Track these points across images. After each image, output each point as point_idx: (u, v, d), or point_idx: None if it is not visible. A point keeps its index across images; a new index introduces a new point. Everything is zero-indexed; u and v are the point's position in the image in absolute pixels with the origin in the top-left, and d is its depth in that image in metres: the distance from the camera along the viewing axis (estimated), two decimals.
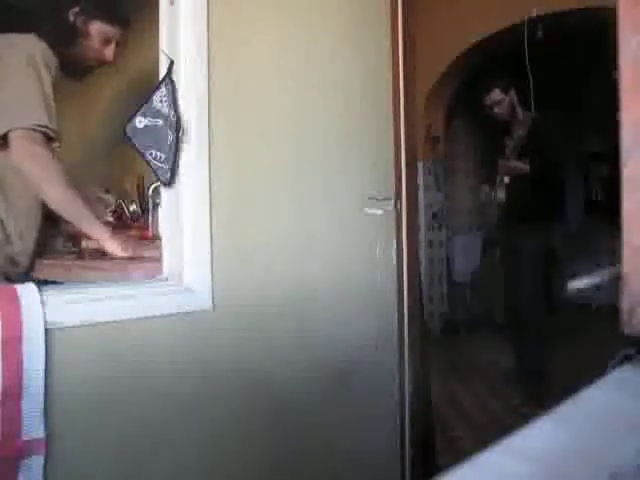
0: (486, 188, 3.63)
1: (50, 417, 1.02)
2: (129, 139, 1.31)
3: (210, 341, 1.32)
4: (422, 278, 2.57)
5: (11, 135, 1.34)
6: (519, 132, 3.34)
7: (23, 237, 1.49)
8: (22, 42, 1.40)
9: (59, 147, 1.45)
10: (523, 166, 3.24)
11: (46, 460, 1.01)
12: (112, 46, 1.60)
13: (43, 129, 1.37)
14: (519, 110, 3.37)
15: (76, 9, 1.52)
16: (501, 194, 3.40)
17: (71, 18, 1.52)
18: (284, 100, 1.51)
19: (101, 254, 1.63)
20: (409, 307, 1.81)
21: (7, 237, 1.46)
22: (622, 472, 0.31)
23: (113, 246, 1.47)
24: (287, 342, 1.48)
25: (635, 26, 0.47)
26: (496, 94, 3.34)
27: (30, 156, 1.35)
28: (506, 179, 3.36)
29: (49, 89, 1.40)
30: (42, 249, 1.59)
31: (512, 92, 3.34)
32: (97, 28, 1.55)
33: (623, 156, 0.48)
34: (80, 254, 1.81)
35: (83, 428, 1.10)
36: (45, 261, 1.64)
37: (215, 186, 1.33)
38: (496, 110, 3.37)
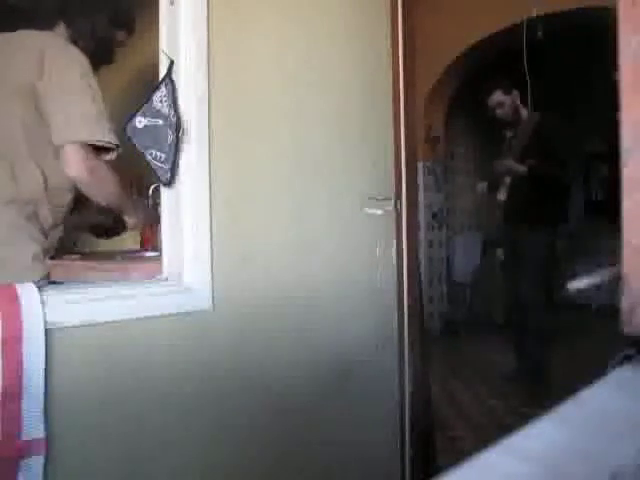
0: (483, 185, 3.61)
1: (50, 417, 1.02)
2: (129, 139, 1.31)
3: (210, 341, 1.32)
4: (422, 278, 2.57)
5: (66, 148, 1.34)
6: (523, 132, 3.33)
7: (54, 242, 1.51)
8: (69, 51, 1.39)
9: (115, 156, 1.45)
10: (519, 167, 3.24)
11: (46, 460, 1.01)
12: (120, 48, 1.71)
13: (98, 143, 1.38)
14: (523, 110, 3.37)
15: (108, 19, 1.60)
16: (502, 195, 3.40)
17: (104, 28, 1.60)
18: (284, 100, 1.51)
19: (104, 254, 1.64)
20: (409, 307, 1.81)
21: (49, 250, 1.47)
22: (622, 472, 0.31)
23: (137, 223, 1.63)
24: (287, 342, 1.48)
25: (635, 26, 0.47)
26: (498, 95, 3.34)
27: (88, 170, 1.36)
28: (508, 180, 3.36)
29: (101, 102, 1.41)
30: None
31: (514, 93, 3.34)
32: (121, 36, 1.66)
33: (623, 156, 0.48)
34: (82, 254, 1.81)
35: (83, 428, 1.10)
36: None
37: (215, 186, 1.33)
38: (499, 112, 3.37)
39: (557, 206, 3.36)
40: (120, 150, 1.41)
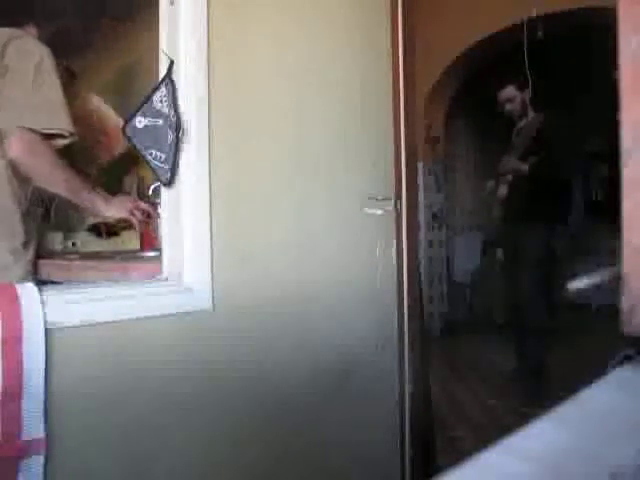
0: (492, 184, 3.59)
1: (50, 417, 1.02)
2: (129, 139, 1.31)
3: (210, 341, 1.32)
4: (422, 278, 2.57)
5: (10, 131, 1.35)
6: (528, 131, 3.33)
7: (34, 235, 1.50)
8: (27, 46, 1.42)
9: (68, 142, 1.45)
10: (521, 166, 3.24)
11: (46, 460, 1.01)
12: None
13: (50, 131, 1.39)
14: (530, 109, 3.37)
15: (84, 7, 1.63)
16: (502, 190, 3.39)
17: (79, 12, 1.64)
18: (284, 100, 1.51)
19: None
20: (409, 307, 1.81)
21: (29, 241, 1.47)
22: (622, 472, 0.31)
23: (111, 211, 1.54)
24: (287, 342, 1.48)
25: (635, 26, 0.47)
26: (510, 90, 3.35)
27: (27, 152, 1.37)
28: (509, 177, 3.36)
29: (58, 93, 1.42)
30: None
31: (525, 90, 3.35)
32: (104, 22, 1.68)
33: (623, 156, 0.48)
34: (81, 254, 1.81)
35: (83, 428, 1.10)
36: (45, 261, 1.64)
37: (215, 186, 1.33)
38: (508, 107, 3.37)
39: (557, 205, 3.36)
40: (76, 138, 1.43)
